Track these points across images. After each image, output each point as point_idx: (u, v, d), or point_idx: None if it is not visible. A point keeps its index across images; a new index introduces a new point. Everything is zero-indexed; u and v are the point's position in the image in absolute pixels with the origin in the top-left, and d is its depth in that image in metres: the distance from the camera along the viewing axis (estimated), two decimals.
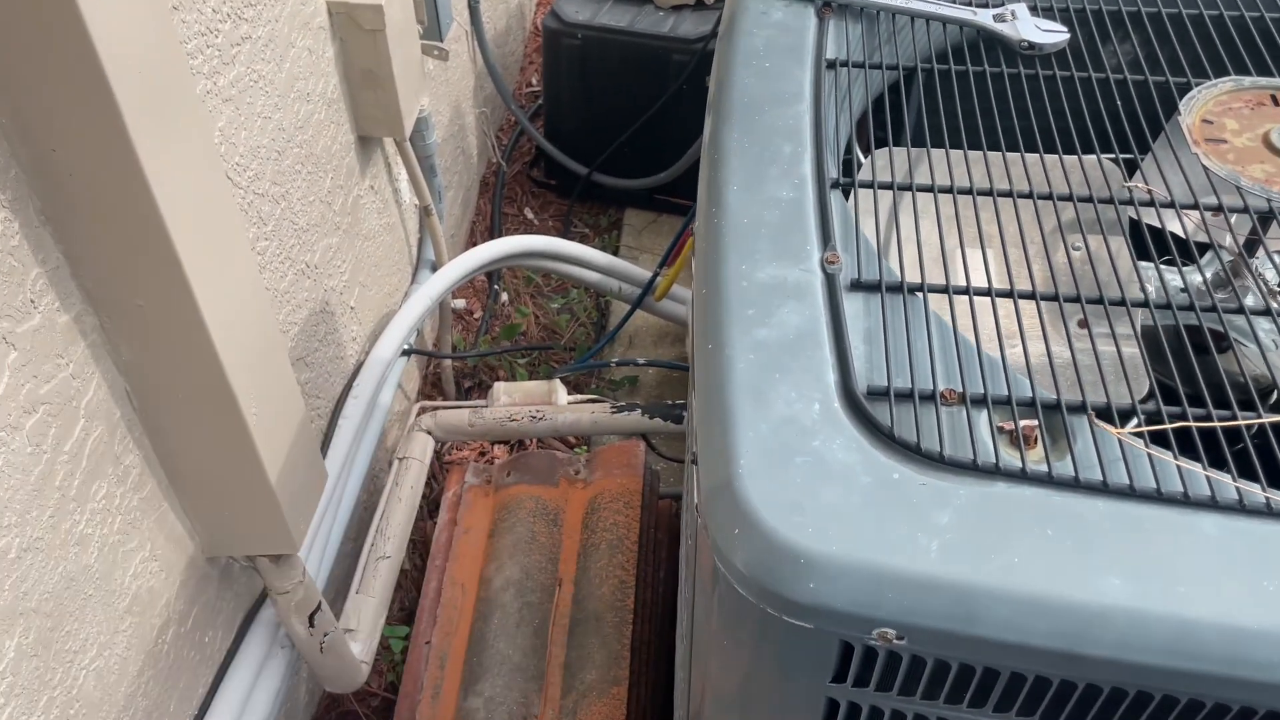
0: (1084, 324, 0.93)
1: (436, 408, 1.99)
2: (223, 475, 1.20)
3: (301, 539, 1.31)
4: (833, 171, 0.95)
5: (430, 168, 2.06)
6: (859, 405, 0.75)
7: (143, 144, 0.91)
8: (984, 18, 1.09)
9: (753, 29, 1.11)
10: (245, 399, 1.12)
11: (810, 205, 0.91)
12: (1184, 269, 1.06)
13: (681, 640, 1.48)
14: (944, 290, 0.84)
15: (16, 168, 0.89)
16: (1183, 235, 1.04)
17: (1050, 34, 1.07)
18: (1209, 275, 1.07)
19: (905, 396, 0.76)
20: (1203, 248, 1.09)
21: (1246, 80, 1.02)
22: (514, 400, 1.96)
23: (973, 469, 0.71)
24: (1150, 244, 1.02)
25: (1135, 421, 0.74)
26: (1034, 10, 1.11)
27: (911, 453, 0.72)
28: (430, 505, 2.03)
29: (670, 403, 1.93)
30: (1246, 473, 0.70)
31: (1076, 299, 0.88)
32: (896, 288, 0.84)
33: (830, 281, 0.84)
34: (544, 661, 1.63)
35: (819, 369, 0.77)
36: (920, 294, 0.84)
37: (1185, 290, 1.09)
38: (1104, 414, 0.75)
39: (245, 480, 1.20)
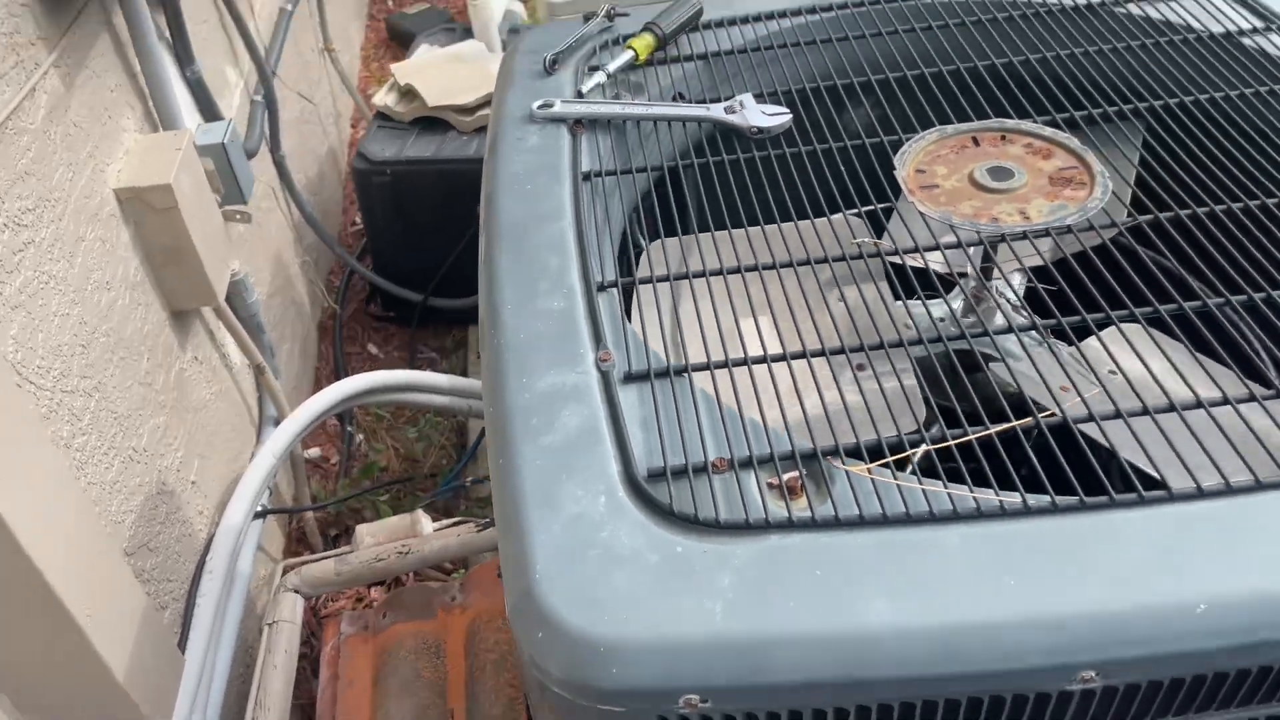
0: (862, 367, 1.02)
1: (301, 563, 1.96)
2: (65, 681, 1.17)
3: None
4: (599, 276, 1.02)
5: (256, 326, 2.07)
6: (641, 490, 0.80)
7: None
8: (716, 112, 1.20)
9: (513, 154, 1.19)
10: (75, 602, 1.11)
11: (581, 311, 0.97)
12: (934, 300, 1.17)
13: None
14: (721, 365, 0.91)
15: None
16: (931, 271, 1.16)
17: (774, 118, 1.18)
18: (958, 304, 1.18)
19: (681, 473, 0.82)
20: (950, 280, 1.21)
21: (949, 128, 1.15)
22: (378, 539, 1.95)
23: (747, 528, 0.77)
24: (914, 282, 1.13)
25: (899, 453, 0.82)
26: (760, 98, 1.22)
27: (691, 524, 0.78)
28: (312, 663, 1.99)
29: None
30: (1004, 481, 0.78)
31: (840, 350, 0.96)
32: (665, 373, 0.91)
33: (605, 379, 0.90)
34: None
35: (602, 463, 0.83)
36: (685, 375, 0.91)
37: (943, 319, 1.20)
38: (862, 452, 0.82)
39: (90, 683, 1.17)
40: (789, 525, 0.77)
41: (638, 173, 1.17)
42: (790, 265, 1.06)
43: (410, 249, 2.76)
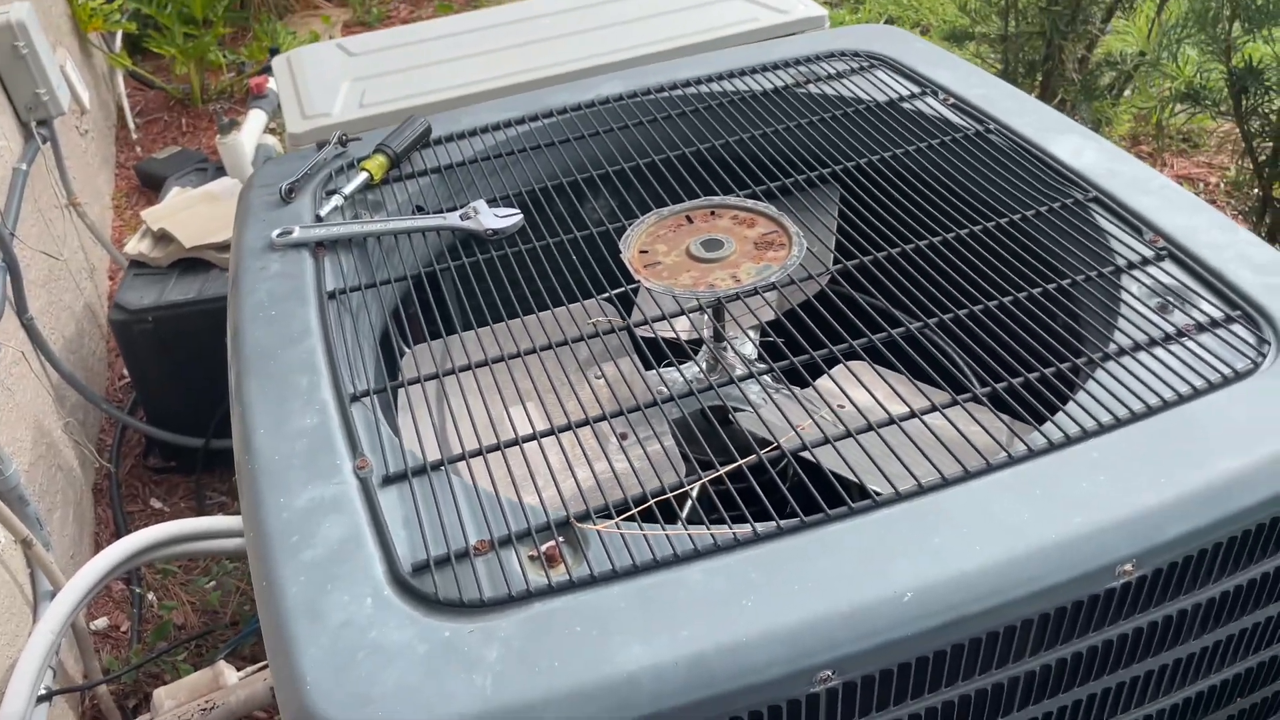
0: (625, 436, 1.09)
1: None
2: None
3: None
4: (351, 388, 1.05)
5: (19, 499, 1.95)
6: (406, 584, 0.83)
7: None
8: (452, 219, 1.27)
9: (255, 284, 1.21)
10: None
11: (335, 424, 1.00)
12: (682, 365, 1.27)
13: None
14: (477, 454, 0.95)
15: None
16: (674, 340, 1.25)
17: (507, 219, 1.26)
18: (703, 365, 1.28)
19: (444, 561, 0.85)
20: (695, 345, 1.31)
21: (666, 210, 1.27)
22: (179, 700, 1.85)
23: (510, 601, 0.81)
24: (662, 352, 1.21)
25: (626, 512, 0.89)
26: (493, 202, 1.30)
27: (458, 608, 0.81)
28: None
29: None
30: (761, 516, 0.85)
31: (602, 417, 1.03)
32: (423, 470, 0.95)
33: (364, 485, 0.93)
34: None
35: (367, 567, 0.85)
36: (443, 469, 0.95)
37: (691, 381, 1.30)
38: (610, 510, 0.89)
39: None
40: (549, 591, 0.82)
41: (382, 285, 1.21)
42: (548, 348, 1.12)
43: (183, 394, 2.66)
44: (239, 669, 1.94)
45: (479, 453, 0.96)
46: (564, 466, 0.96)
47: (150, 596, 2.39)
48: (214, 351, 2.58)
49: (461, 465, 0.95)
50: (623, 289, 1.29)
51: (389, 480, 0.94)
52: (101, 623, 2.30)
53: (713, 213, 1.26)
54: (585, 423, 1.01)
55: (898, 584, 0.78)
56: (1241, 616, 0.92)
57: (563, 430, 1.00)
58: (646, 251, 1.22)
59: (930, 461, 0.88)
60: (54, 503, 2.31)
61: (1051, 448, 0.87)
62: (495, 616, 0.80)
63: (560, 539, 0.87)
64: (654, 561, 0.83)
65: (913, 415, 0.94)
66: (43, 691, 1.78)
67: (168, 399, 2.69)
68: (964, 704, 0.85)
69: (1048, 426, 0.90)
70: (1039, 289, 1.07)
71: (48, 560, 2.00)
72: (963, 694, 0.84)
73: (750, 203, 1.26)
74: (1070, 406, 0.91)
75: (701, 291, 1.14)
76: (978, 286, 1.10)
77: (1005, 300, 1.07)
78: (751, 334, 1.30)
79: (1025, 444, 0.88)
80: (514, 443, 0.98)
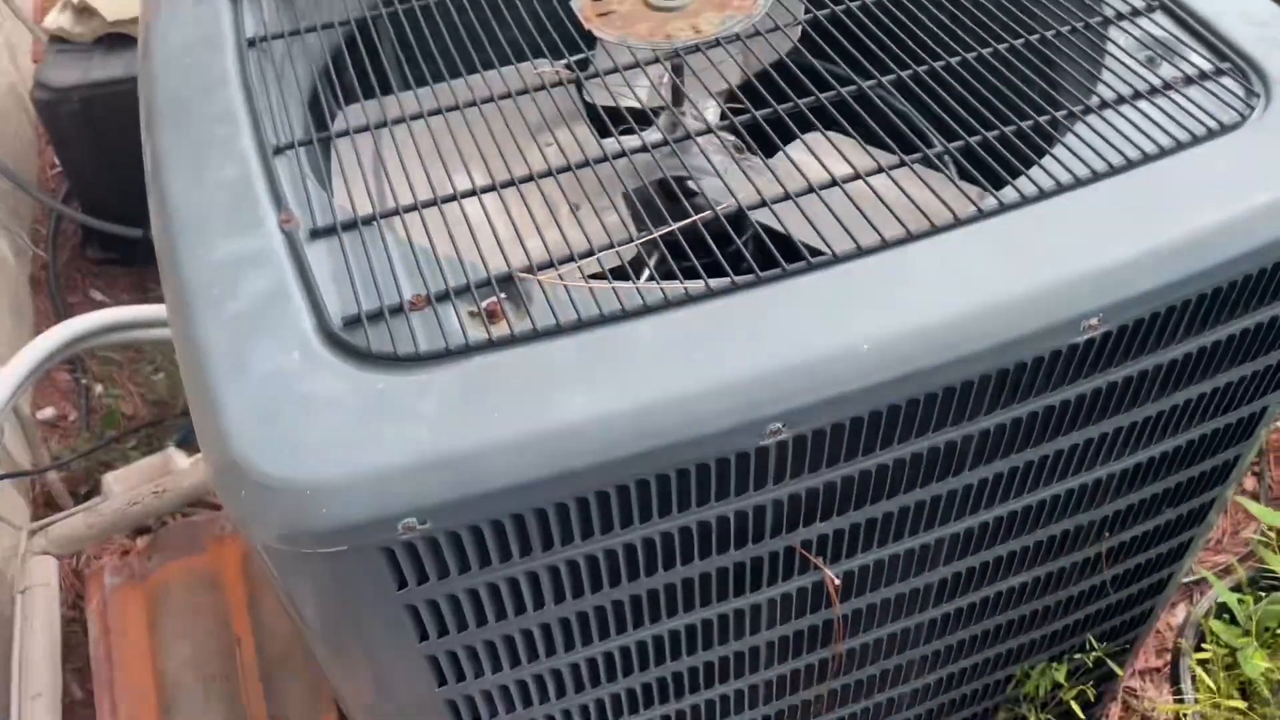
0: (576, 208, 1.02)
1: (48, 524, 1.82)
2: None
3: None
4: (274, 140, 0.97)
5: None
6: (337, 338, 0.78)
7: None
8: None
9: (166, 31, 1.10)
10: None
11: (257, 176, 0.92)
12: (641, 131, 1.19)
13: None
14: (412, 208, 0.88)
15: None
16: (633, 105, 1.17)
17: None
18: (662, 132, 1.20)
19: (378, 316, 0.80)
20: (655, 113, 1.23)
21: None
22: (130, 484, 1.83)
23: (447, 355, 0.77)
24: (619, 118, 1.13)
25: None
26: None
27: (392, 361, 0.77)
28: (85, 627, 1.87)
29: None
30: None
31: (546, 173, 0.96)
32: (354, 224, 0.88)
33: (289, 239, 0.87)
34: None
35: (294, 320, 0.80)
36: (375, 224, 0.88)
37: (645, 149, 1.22)
38: (555, 265, 0.83)
39: None
40: (490, 345, 0.77)
41: (308, 33, 1.10)
42: (491, 100, 1.04)
43: (118, 180, 2.53)
44: (190, 455, 1.92)
45: (414, 208, 0.89)
46: (513, 238, 0.89)
47: (98, 387, 2.35)
48: None
49: (396, 221, 0.89)
50: (580, 56, 1.19)
51: (317, 234, 0.88)
52: (48, 412, 2.27)
53: None
54: (528, 178, 0.94)
55: (855, 336, 0.75)
56: (1204, 380, 0.90)
57: (505, 185, 0.93)
58: (599, 0, 1.11)
59: (898, 220, 0.82)
60: None
61: (1024, 201, 0.82)
62: (432, 370, 0.76)
63: (502, 295, 0.82)
64: (601, 316, 0.78)
65: (880, 170, 0.88)
66: None
67: (102, 187, 2.56)
68: (916, 461, 0.83)
69: (1021, 181, 0.85)
70: (1020, 40, 0.99)
71: None
72: (915, 451, 0.82)
73: None
74: (1046, 161, 0.86)
75: (659, 42, 1.05)
76: (949, 40, 1.02)
77: (982, 53, 0.99)
78: (710, 104, 1.22)
79: (997, 198, 0.83)
80: (451, 198, 0.91)
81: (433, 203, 0.90)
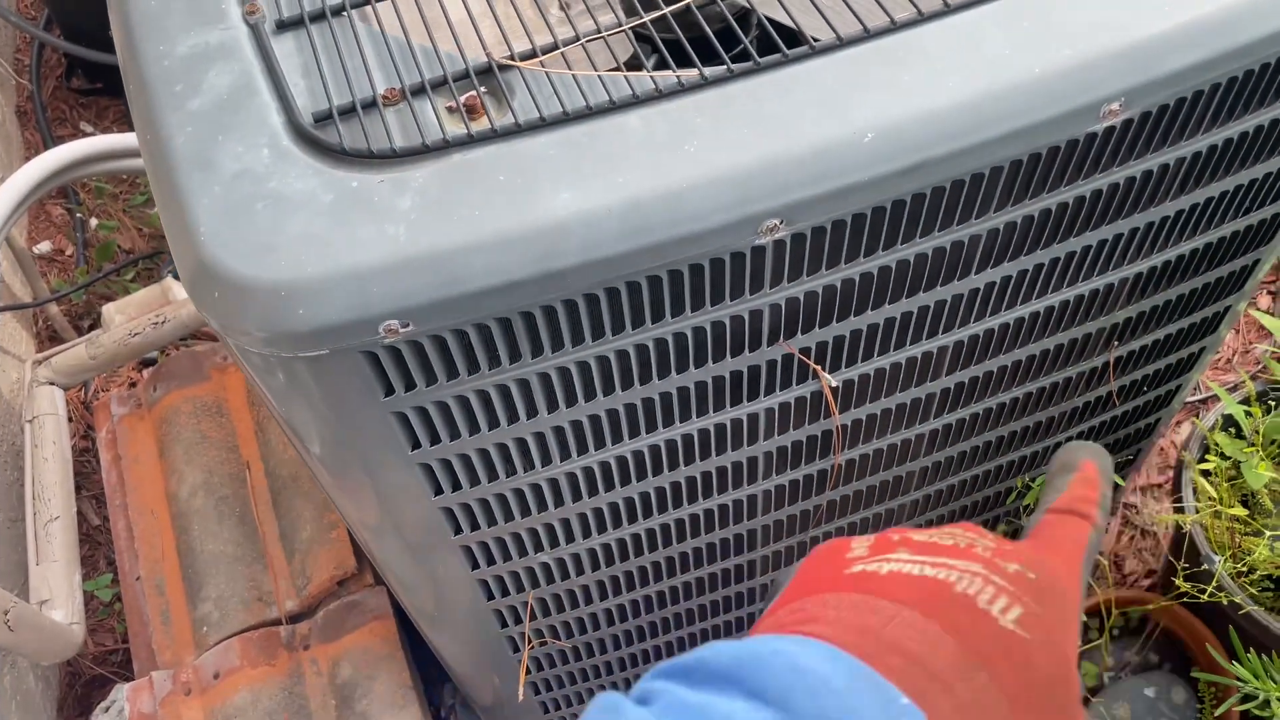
0: (565, 7, 0.95)
1: (50, 355, 1.82)
2: None
3: None
4: None
5: None
6: (307, 134, 0.74)
7: None
8: None
9: None
10: None
11: None
12: None
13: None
14: (361, 4, 0.82)
15: None
16: None
17: None
18: None
19: (350, 111, 0.75)
20: None
21: None
22: (129, 315, 1.82)
23: (425, 151, 0.72)
24: None
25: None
26: None
27: (366, 159, 0.72)
28: (96, 456, 1.90)
29: None
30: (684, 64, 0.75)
31: None
32: (322, 15, 0.82)
33: (255, 31, 0.81)
34: (259, 542, 1.61)
35: (262, 116, 0.75)
36: (345, 14, 0.82)
37: None
38: (538, 53, 0.78)
39: None
40: (470, 141, 0.72)
41: None
42: None
43: (99, 5, 2.42)
44: None
45: None
46: (498, 39, 0.83)
47: (93, 221, 2.31)
48: None
49: (369, 11, 0.82)
50: None
51: (284, 26, 0.82)
52: (45, 246, 2.24)
53: None
54: None
55: (859, 123, 0.70)
56: (1226, 176, 0.85)
57: None
58: None
59: (912, 1, 0.76)
60: None
61: None
62: (408, 167, 0.72)
63: (482, 89, 0.77)
64: (587, 109, 0.73)
65: None
66: None
67: (82, 11, 2.44)
68: (921, 263, 0.80)
69: None
70: None
71: None
72: (920, 251, 0.78)
73: None
74: None
75: None
76: None
77: None
78: None
79: None
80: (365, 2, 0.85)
81: None
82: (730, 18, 0.80)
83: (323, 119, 0.75)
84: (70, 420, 1.89)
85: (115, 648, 1.71)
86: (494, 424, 0.81)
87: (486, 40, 0.80)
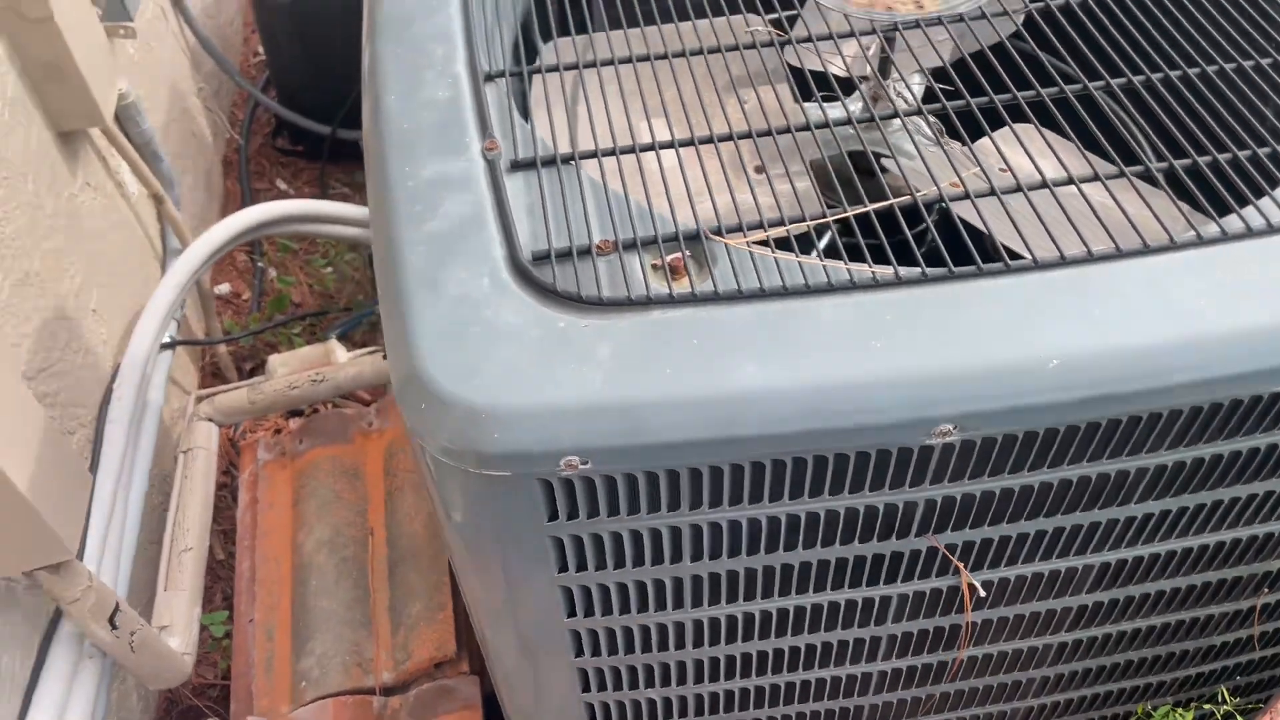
0: (760, 169, 1.02)
1: (214, 393, 1.95)
2: None
3: (74, 542, 1.29)
4: (486, 66, 0.99)
5: (153, 154, 1.99)
6: (525, 271, 0.81)
7: None
8: None
9: None
10: None
11: (467, 101, 0.95)
12: (840, 100, 1.16)
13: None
14: (612, 153, 0.90)
15: None
16: (835, 73, 1.15)
17: None
18: (861, 104, 1.18)
19: (566, 255, 0.82)
20: (857, 81, 1.20)
21: None
22: (292, 369, 1.94)
23: (628, 304, 0.78)
24: (811, 84, 1.11)
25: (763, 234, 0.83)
26: None
27: (574, 302, 0.79)
28: (233, 492, 2.01)
29: None
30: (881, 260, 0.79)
31: (746, 135, 0.95)
32: (553, 161, 0.90)
33: (491, 167, 0.89)
34: (369, 608, 1.67)
35: (487, 247, 0.83)
36: (574, 163, 0.90)
37: (846, 120, 1.20)
38: (744, 231, 0.83)
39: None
40: (670, 301, 0.78)
41: None
42: (698, 53, 1.04)
43: (316, 78, 2.64)
44: (348, 350, 2.02)
45: (612, 153, 0.91)
46: (700, 190, 0.90)
47: (271, 271, 2.48)
48: (350, 38, 2.53)
49: (591, 163, 0.90)
50: (781, 14, 1.17)
51: (517, 166, 0.90)
52: (224, 288, 2.41)
53: None
54: (728, 137, 0.94)
55: (1045, 348, 0.72)
56: None
57: (703, 142, 0.93)
58: None
59: (1108, 233, 0.79)
60: (185, 167, 2.36)
61: (1249, 234, 0.78)
62: (612, 316, 0.77)
63: (687, 252, 0.82)
64: (783, 289, 0.78)
65: (1095, 178, 0.84)
66: (166, 340, 1.88)
67: (299, 81, 2.67)
68: (1083, 484, 0.81)
69: (1248, 211, 0.80)
70: (1268, 60, 0.92)
71: (178, 219, 2.07)
72: (1084, 475, 0.80)
73: None
74: (1278, 193, 0.80)
75: (878, 14, 1.02)
76: (1187, 48, 0.96)
77: (1224, 67, 0.93)
78: (916, 79, 1.18)
79: (1220, 226, 0.79)
80: (650, 147, 0.92)
81: (630, 149, 0.91)
82: (929, 221, 0.84)
83: (540, 258, 0.82)
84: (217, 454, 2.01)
85: (214, 682, 1.77)
86: (639, 562, 0.84)
87: (689, 190, 0.86)
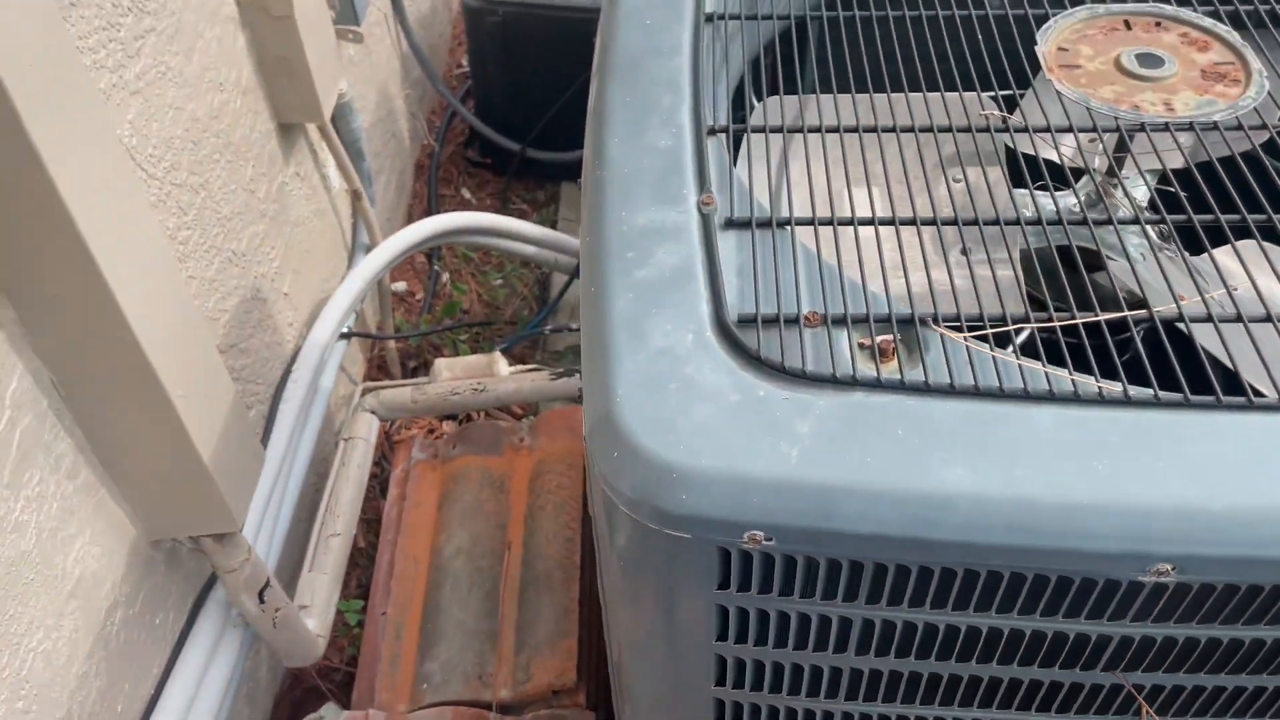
0: (965, 252, 0.98)
1: (380, 388, 2.02)
2: (156, 458, 1.23)
3: (243, 517, 1.35)
4: (709, 119, 0.99)
5: (358, 152, 2.08)
6: (729, 333, 0.80)
7: (39, 136, 0.93)
8: None
9: None
10: (170, 381, 1.16)
11: (688, 152, 0.95)
12: (1058, 193, 1.12)
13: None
14: (825, 222, 0.89)
15: None
16: (1057, 161, 1.10)
17: None
18: (1082, 197, 1.12)
19: (772, 322, 0.81)
20: (1077, 173, 1.15)
21: (1101, 8, 1.08)
22: (455, 375, 2.00)
23: (832, 382, 0.76)
24: (1026, 173, 1.07)
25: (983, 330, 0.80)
26: None
27: (777, 371, 0.77)
28: (381, 484, 2.08)
29: None
30: (1093, 370, 0.75)
31: (953, 221, 0.93)
32: (767, 223, 0.89)
33: (705, 222, 0.89)
34: (496, 623, 1.68)
35: (693, 303, 0.82)
36: (788, 229, 0.89)
37: (1058, 213, 1.15)
38: (961, 322, 0.80)
39: (179, 462, 1.23)
40: (876, 385, 0.76)
41: (763, 19, 1.12)
42: (910, 130, 1.01)
43: (514, 96, 2.73)
44: (509, 364, 2.06)
45: (829, 221, 0.89)
46: (897, 264, 0.87)
47: (445, 276, 2.56)
48: (552, 60, 2.61)
49: (807, 230, 0.89)
50: (1011, 92, 1.13)
51: (730, 224, 0.89)
52: (400, 286, 2.50)
53: (1158, 23, 1.06)
54: (933, 222, 0.91)
55: None
56: None
57: (907, 224, 0.90)
58: (1066, 50, 1.05)
59: None
60: (382, 166, 2.47)
61: None
62: (814, 392, 0.75)
63: (898, 336, 0.80)
64: (999, 390, 0.74)
65: None
66: (345, 330, 1.96)
67: (498, 97, 2.77)
68: None
69: None
70: None
71: (371, 215, 2.16)
72: None
73: (1209, 22, 1.04)
74: None
75: (1123, 111, 0.98)
76: None
77: None
78: (1149, 176, 1.12)
79: None
80: (849, 222, 0.90)
81: (849, 221, 0.90)
82: (1167, 344, 0.79)
83: (746, 321, 0.81)
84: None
85: (337, 667, 1.83)
86: (801, 645, 0.82)
87: (888, 264, 0.84)
